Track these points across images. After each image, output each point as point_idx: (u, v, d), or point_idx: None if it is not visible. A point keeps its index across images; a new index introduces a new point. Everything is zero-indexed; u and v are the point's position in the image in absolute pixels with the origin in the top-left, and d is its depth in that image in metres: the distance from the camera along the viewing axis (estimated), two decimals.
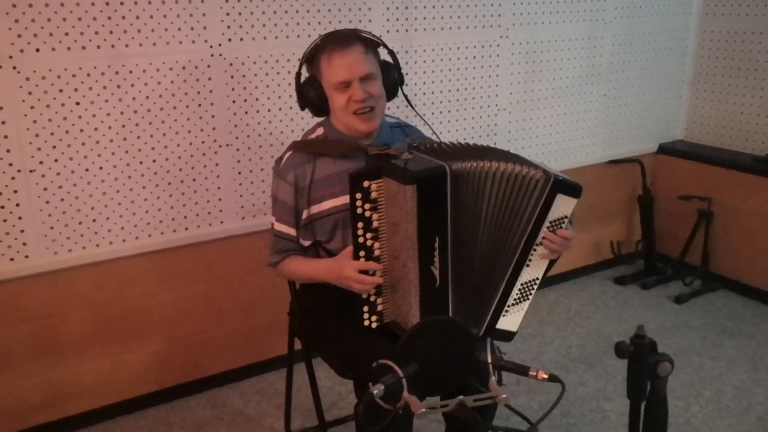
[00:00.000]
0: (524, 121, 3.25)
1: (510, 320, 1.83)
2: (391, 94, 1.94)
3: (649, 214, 3.71)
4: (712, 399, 2.64)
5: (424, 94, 2.91)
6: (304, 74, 1.93)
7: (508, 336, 1.85)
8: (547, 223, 1.71)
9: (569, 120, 3.40)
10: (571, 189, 1.69)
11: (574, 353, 2.98)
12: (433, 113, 2.95)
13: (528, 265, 1.76)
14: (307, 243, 1.98)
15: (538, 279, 1.81)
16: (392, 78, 1.93)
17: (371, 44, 1.88)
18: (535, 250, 1.74)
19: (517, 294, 1.80)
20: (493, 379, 1.39)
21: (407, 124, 2.08)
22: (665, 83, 3.67)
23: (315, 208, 1.92)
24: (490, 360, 1.40)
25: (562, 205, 1.70)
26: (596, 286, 3.64)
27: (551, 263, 1.81)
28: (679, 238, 3.66)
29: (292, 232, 1.96)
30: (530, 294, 1.82)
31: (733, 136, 3.59)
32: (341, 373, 1.98)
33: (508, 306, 1.81)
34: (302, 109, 1.95)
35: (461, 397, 1.31)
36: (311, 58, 1.88)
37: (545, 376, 1.37)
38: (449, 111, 3.01)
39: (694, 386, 2.72)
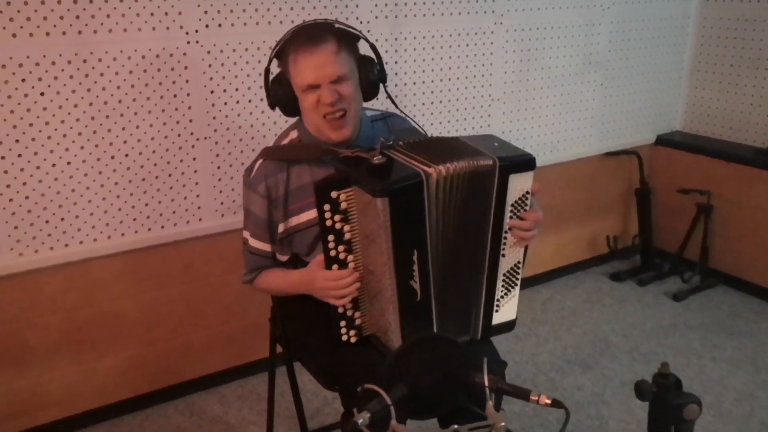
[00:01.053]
0: (519, 111, 3.12)
1: (505, 311, 1.73)
2: (370, 94, 1.75)
3: (646, 208, 3.60)
4: (714, 404, 2.53)
5: (414, 83, 2.76)
6: (275, 70, 1.74)
7: (509, 326, 1.75)
8: (509, 207, 1.60)
9: (565, 110, 3.27)
10: (522, 165, 1.59)
11: (570, 354, 2.87)
12: (423, 104, 2.81)
13: (503, 255, 1.65)
14: (284, 258, 1.83)
15: (519, 263, 1.70)
16: (371, 76, 1.72)
17: (347, 39, 1.67)
18: (505, 237, 1.63)
19: (502, 286, 1.69)
20: (491, 403, 1.26)
21: (390, 114, 1.90)
22: (663, 72, 3.54)
23: (293, 221, 1.76)
24: (487, 383, 1.27)
25: (519, 184, 1.60)
26: (591, 283, 3.52)
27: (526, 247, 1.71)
28: (677, 232, 3.55)
29: (266, 248, 1.80)
30: (516, 280, 1.71)
31: (733, 128, 3.47)
32: (325, 385, 1.85)
33: (498, 300, 1.70)
34: (272, 108, 1.76)
35: (455, 426, 1.19)
36: (280, 54, 1.69)
37: (548, 402, 1.24)
38: (440, 102, 2.87)
39: (695, 390, 2.56)
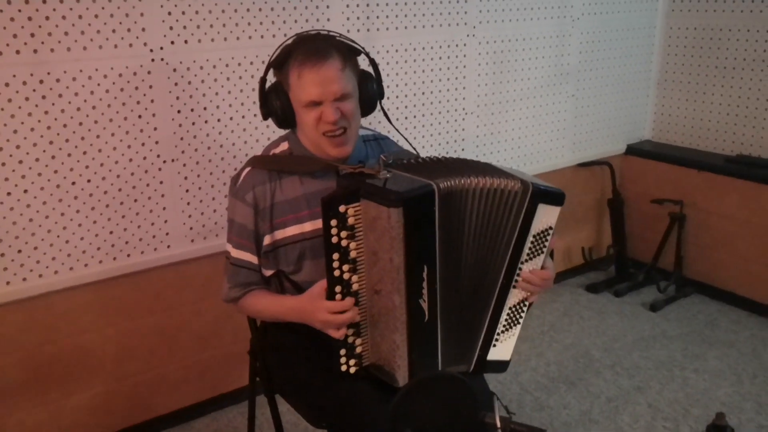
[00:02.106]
0: (492, 125, 3.06)
1: (501, 349, 1.65)
2: (368, 110, 1.68)
3: (619, 218, 3.59)
4: (702, 417, 2.50)
5: (387, 98, 2.68)
6: (271, 79, 1.66)
7: (501, 366, 1.68)
8: (531, 238, 1.54)
9: (538, 122, 3.23)
10: (553, 197, 1.53)
11: (553, 372, 2.81)
12: (398, 119, 2.73)
13: (515, 287, 1.58)
14: (269, 272, 1.72)
15: (526, 301, 1.63)
16: (370, 92, 1.65)
17: (350, 55, 1.61)
18: (521, 268, 1.56)
19: (506, 320, 1.62)
20: None
21: (383, 136, 1.84)
22: (632, 82, 3.55)
23: (278, 234, 1.66)
24: (498, 423, 1.19)
25: (545, 216, 1.53)
26: (568, 295, 3.49)
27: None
28: (651, 242, 3.54)
29: (253, 259, 1.69)
30: (520, 318, 1.65)
31: (702, 136, 3.49)
32: (312, 422, 1.74)
33: (498, 334, 1.62)
34: (265, 118, 1.67)
35: None
36: (279, 64, 1.60)
37: None
38: (414, 116, 2.80)
39: (681, 403, 2.58)
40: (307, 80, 1.54)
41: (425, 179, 1.48)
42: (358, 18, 2.52)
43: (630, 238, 3.64)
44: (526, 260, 1.57)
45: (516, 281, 1.58)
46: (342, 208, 1.45)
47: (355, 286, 1.51)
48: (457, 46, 2.84)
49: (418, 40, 2.72)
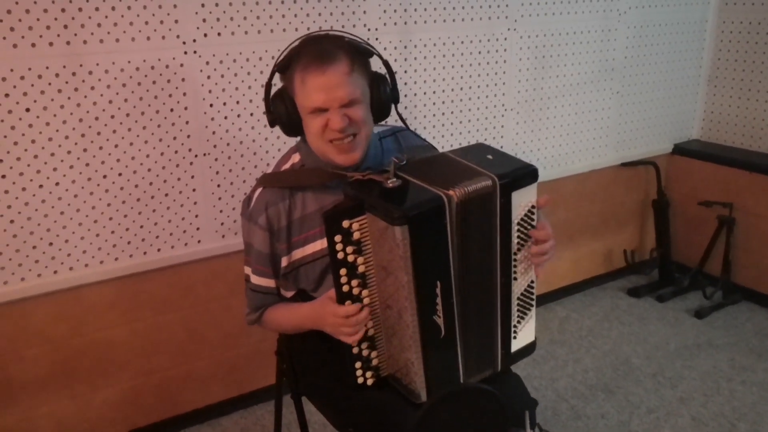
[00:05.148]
0: (533, 122, 2.97)
1: (523, 335, 1.59)
2: (381, 115, 1.57)
3: (664, 220, 3.45)
4: None
5: (424, 93, 2.61)
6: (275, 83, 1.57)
7: (529, 349, 1.61)
8: (515, 227, 1.46)
9: (581, 120, 3.12)
10: (524, 179, 1.44)
11: (591, 379, 2.71)
12: (434, 115, 2.66)
13: (515, 279, 1.51)
14: (290, 294, 1.67)
15: (533, 282, 1.56)
16: (383, 96, 1.54)
17: (360, 56, 1.49)
18: (515, 259, 1.49)
19: (518, 311, 1.55)
20: None
21: (400, 128, 1.71)
22: (681, 79, 3.40)
23: (297, 254, 1.59)
24: None
25: (522, 199, 1.45)
26: (608, 299, 3.37)
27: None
28: (697, 245, 3.40)
29: (271, 283, 1.64)
30: (531, 301, 1.57)
31: (754, 136, 3.33)
32: (338, 426, 1.69)
33: (515, 326, 1.55)
34: (272, 126, 1.58)
35: None
36: (284, 68, 1.51)
37: None
38: (452, 112, 2.72)
39: (727, 417, 2.45)
40: (311, 86, 1.43)
41: (437, 188, 1.37)
42: (395, 11, 2.45)
43: (675, 242, 3.50)
44: (518, 250, 1.49)
45: (515, 273, 1.50)
46: (346, 223, 1.35)
47: (366, 300, 1.42)
48: (497, 40, 2.75)
49: (457, 34, 2.63)
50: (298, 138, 1.62)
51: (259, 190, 1.59)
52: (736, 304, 3.26)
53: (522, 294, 1.55)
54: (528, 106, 2.93)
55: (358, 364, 1.47)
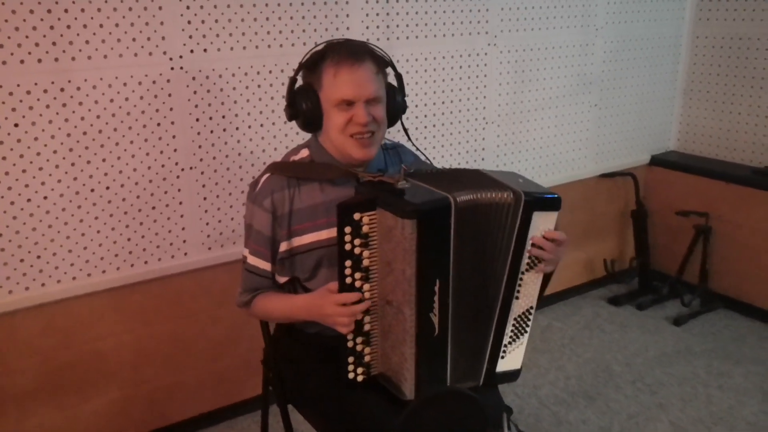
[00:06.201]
0: (513, 134, 3.03)
1: (510, 359, 1.64)
2: (391, 122, 1.69)
3: (643, 230, 3.53)
4: None
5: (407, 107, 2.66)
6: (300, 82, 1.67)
7: (512, 376, 1.66)
8: (528, 247, 1.52)
9: (560, 132, 3.19)
10: (548, 203, 1.52)
11: (573, 386, 2.76)
12: (417, 128, 2.72)
13: (517, 298, 1.56)
14: (283, 279, 1.72)
15: (532, 308, 1.61)
16: (396, 104, 1.68)
17: (382, 63, 1.63)
18: (521, 279, 1.55)
19: (512, 331, 1.60)
20: None
21: (400, 145, 1.84)
22: (657, 92, 3.49)
23: (296, 241, 1.66)
24: None
25: (542, 223, 1.52)
26: (589, 308, 3.43)
27: (545, 283, 1.61)
28: (675, 254, 3.48)
29: (267, 266, 1.69)
30: (527, 327, 1.63)
31: (729, 147, 3.42)
32: None
33: (505, 346, 1.60)
34: (290, 120, 1.67)
35: None
36: (312, 65, 1.61)
37: None
38: (434, 125, 2.78)
39: (704, 422, 2.51)
40: (343, 79, 1.55)
41: (443, 192, 1.47)
42: (377, 27, 2.51)
43: (654, 251, 3.58)
44: (527, 270, 1.55)
45: (518, 292, 1.56)
46: (357, 216, 1.44)
47: (366, 295, 1.50)
48: (477, 55, 2.82)
49: (438, 49, 2.70)
50: (309, 137, 1.72)
51: (267, 175, 1.67)
52: (713, 312, 3.34)
53: (520, 316, 1.60)
54: (508, 119, 2.99)
55: (351, 359, 1.53)
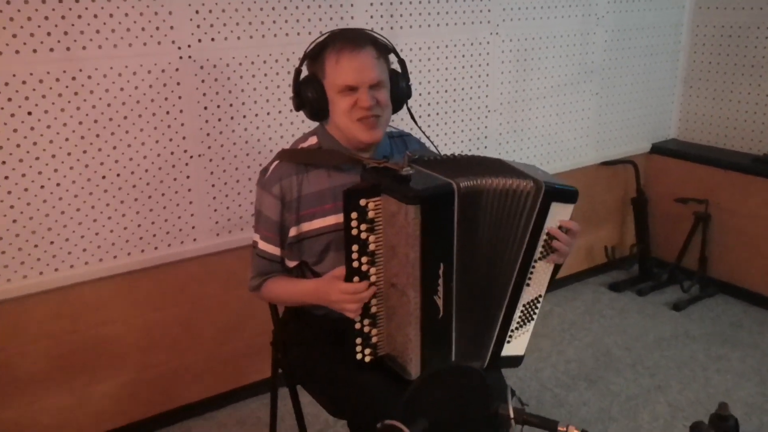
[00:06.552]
0: (515, 122, 3.07)
1: (515, 345, 1.68)
2: (396, 107, 1.74)
3: (643, 217, 3.57)
4: None
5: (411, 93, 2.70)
6: (304, 72, 1.72)
7: (515, 361, 1.70)
8: (544, 236, 1.56)
9: (561, 120, 3.23)
10: (566, 195, 1.55)
11: (573, 369, 2.81)
12: (420, 116, 2.76)
13: (528, 285, 1.60)
14: (292, 264, 1.77)
15: (541, 296, 1.66)
16: (400, 89, 1.72)
17: (384, 49, 1.67)
18: (534, 267, 1.59)
19: (520, 317, 1.64)
20: None
21: (406, 133, 1.89)
22: (657, 80, 3.52)
23: (305, 226, 1.70)
24: (512, 414, 1.21)
25: (558, 214, 1.55)
26: (590, 294, 3.48)
27: (554, 273, 1.65)
28: (675, 241, 3.52)
29: (276, 251, 1.74)
30: (534, 314, 1.67)
31: (729, 135, 3.46)
32: (333, 413, 1.78)
33: (512, 331, 1.65)
34: (297, 110, 1.72)
35: None
36: (315, 55, 1.66)
37: None
38: (437, 114, 2.82)
39: (703, 404, 2.57)
40: (344, 65, 1.59)
41: (447, 178, 1.50)
42: (381, 16, 2.55)
43: (654, 238, 3.62)
44: (540, 258, 1.59)
45: (530, 279, 1.60)
46: (362, 202, 1.49)
47: (372, 278, 1.54)
48: (480, 44, 2.85)
49: (441, 39, 2.74)
50: (317, 124, 1.76)
51: (276, 162, 1.71)
52: (711, 297, 3.39)
53: (529, 303, 1.64)
54: (510, 108, 3.03)
55: (358, 341, 1.58)
